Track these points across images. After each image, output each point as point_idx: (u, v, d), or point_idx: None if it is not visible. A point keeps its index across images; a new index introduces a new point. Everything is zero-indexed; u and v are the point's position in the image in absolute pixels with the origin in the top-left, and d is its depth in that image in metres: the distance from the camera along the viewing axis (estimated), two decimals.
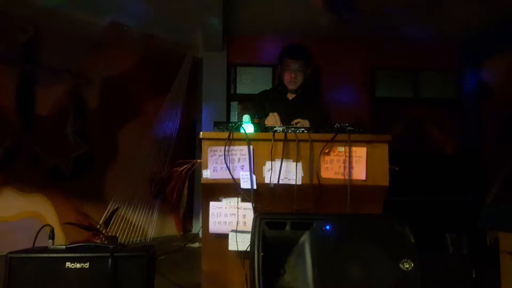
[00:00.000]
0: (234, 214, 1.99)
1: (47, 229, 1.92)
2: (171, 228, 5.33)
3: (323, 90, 6.06)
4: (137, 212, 4.93)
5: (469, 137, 6.00)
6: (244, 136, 1.98)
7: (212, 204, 2.02)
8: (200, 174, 2.00)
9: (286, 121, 2.46)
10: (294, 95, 2.84)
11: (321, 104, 2.98)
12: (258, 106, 2.80)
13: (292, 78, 2.77)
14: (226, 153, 1.97)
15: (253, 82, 6.15)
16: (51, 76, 4.46)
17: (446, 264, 3.66)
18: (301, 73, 2.77)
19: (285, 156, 1.97)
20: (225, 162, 1.96)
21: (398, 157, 2.07)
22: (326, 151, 1.99)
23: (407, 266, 1.58)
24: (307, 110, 2.65)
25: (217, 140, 1.99)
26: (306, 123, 2.44)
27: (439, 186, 4.90)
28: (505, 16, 5.12)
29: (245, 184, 1.96)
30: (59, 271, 1.73)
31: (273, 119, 2.46)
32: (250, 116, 2.13)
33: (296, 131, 2.03)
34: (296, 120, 2.44)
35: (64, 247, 1.81)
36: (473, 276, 3.01)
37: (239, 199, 1.99)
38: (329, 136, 2.00)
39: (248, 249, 1.80)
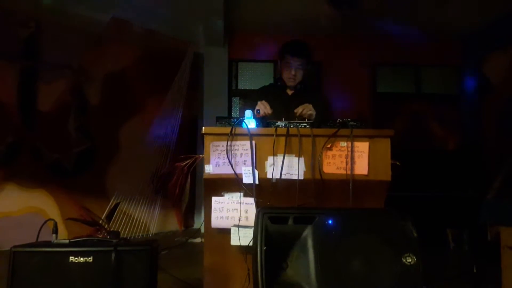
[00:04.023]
0: (236, 209, 2.00)
1: (49, 224, 1.93)
2: (173, 223, 5.34)
3: (324, 86, 6.06)
4: (139, 207, 4.94)
5: (470, 132, 6.00)
6: (246, 131, 1.99)
7: (215, 199, 2.02)
8: (202, 169, 2.00)
9: (286, 116, 2.45)
10: (293, 91, 2.84)
11: (321, 97, 2.98)
12: (257, 102, 2.79)
13: (292, 75, 2.76)
14: (228, 148, 1.97)
15: (254, 77, 6.15)
16: (53, 72, 4.47)
17: (447, 259, 3.68)
18: (301, 70, 2.77)
19: (287, 151, 1.98)
20: (227, 157, 1.96)
21: (399, 153, 2.07)
22: (328, 146, 2.00)
23: (410, 260, 1.58)
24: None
25: (219, 135, 2.00)
26: (310, 107, 2.44)
27: (440, 182, 4.91)
28: (506, 12, 5.11)
29: (247, 179, 1.96)
30: (62, 265, 1.74)
31: (262, 107, 2.45)
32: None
33: (298, 126, 2.03)
34: (299, 108, 2.44)
35: (67, 241, 1.81)
36: (474, 271, 3.02)
37: (241, 194, 2.00)
38: (331, 131, 2.00)
39: (250, 244, 1.80)
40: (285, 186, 1.96)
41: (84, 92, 4.74)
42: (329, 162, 1.99)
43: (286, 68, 2.77)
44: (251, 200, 1.97)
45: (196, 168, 2.14)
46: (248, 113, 2.08)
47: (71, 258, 1.74)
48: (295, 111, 2.46)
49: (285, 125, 2.03)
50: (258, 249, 1.62)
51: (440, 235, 3.92)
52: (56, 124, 4.49)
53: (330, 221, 1.68)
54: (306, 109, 2.46)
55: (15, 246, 1.76)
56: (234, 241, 1.96)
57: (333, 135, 1.99)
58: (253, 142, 1.98)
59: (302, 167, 1.98)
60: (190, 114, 5.75)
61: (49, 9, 4.43)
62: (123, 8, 4.92)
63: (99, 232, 3.45)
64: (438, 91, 6.33)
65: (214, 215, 2.01)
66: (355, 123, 2.02)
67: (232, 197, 2.01)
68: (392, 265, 1.59)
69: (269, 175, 1.97)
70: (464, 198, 4.59)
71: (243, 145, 1.99)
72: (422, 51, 6.08)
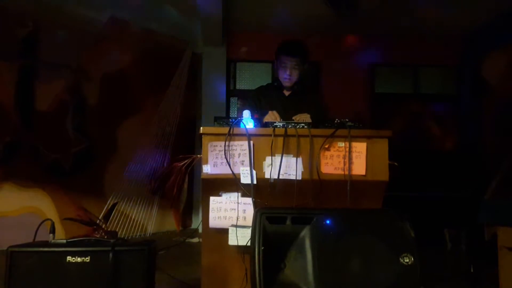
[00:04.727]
0: (234, 209, 2.00)
1: (47, 224, 1.92)
2: (171, 223, 5.34)
3: (322, 86, 6.06)
4: (136, 207, 4.93)
5: (468, 133, 6.01)
6: (244, 131, 1.99)
7: (212, 199, 2.02)
8: (200, 169, 2.00)
9: (283, 117, 2.46)
10: (290, 91, 2.84)
11: (318, 98, 2.97)
12: (254, 102, 2.80)
13: (288, 75, 2.75)
14: (226, 148, 1.97)
15: (252, 77, 6.15)
16: (51, 71, 4.45)
17: (444, 259, 3.68)
18: (296, 70, 2.75)
19: (285, 151, 1.98)
20: (225, 157, 1.97)
21: (397, 153, 2.07)
22: (326, 146, 2.00)
23: (407, 260, 1.59)
24: (304, 105, 2.64)
25: (217, 135, 2.00)
26: (307, 117, 2.44)
27: (437, 182, 4.92)
28: (505, 12, 5.12)
29: (245, 179, 1.96)
30: (60, 265, 1.73)
31: (272, 117, 2.46)
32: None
33: (296, 126, 2.03)
34: (296, 116, 2.44)
35: (65, 241, 1.81)
36: (471, 271, 3.03)
37: (239, 194, 2.00)
38: (329, 131, 2.00)
39: (248, 244, 1.81)
40: (283, 186, 1.97)
41: (82, 92, 4.73)
42: (327, 163, 1.99)
43: (282, 68, 2.77)
44: (249, 200, 1.97)
45: (194, 168, 2.14)
46: (246, 113, 2.08)
47: (69, 258, 1.74)
48: (293, 118, 2.45)
49: (283, 126, 2.03)
50: (256, 249, 1.62)
51: (438, 235, 3.93)
52: (54, 123, 4.48)
53: (328, 222, 1.68)
54: (302, 119, 2.45)
55: (12, 246, 1.75)
56: (232, 241, 1.96)
57: (331, 136, 1.99)
58: (251, 142, 1.98)
59: (300, 168, 1.98)
60: (188, 114, 5.74)
61: (47, 8, 4.42)
62: (121, 8, 4.92)
63: (96, 232, 3.44)
64: (436, 92, 6.35)
65: (212, 215, 2.01)
66: (353, 124, 2.02)
67: (230, 197, 2.01)
68: (390, 265, 1.59)
69: (267, 175, 1.97)
70: (461, 199, 4.60)
71: (241, 145, 1.99)
72: (420, 52, 6.09)
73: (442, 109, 6.25)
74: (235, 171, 1.96)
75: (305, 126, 2.04)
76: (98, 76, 4.85)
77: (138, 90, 5.22)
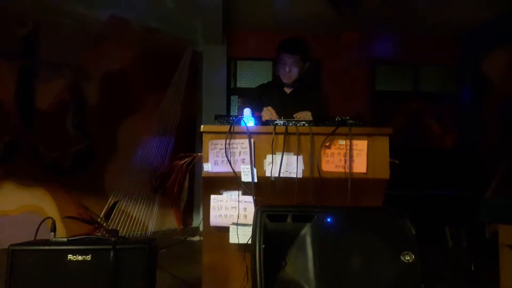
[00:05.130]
0: (235, 207, 2.00)
1: (48, 222, 1.93)
2: (172, 222, 5.34)
3: (323, 84, 6.06)
4: (137, 206, 4.93)
5: (468, 131, 6.01)
6: (245, 130, 1.98)
7: (213, 197, 2.02)
8: (201, 168, 2.00)
9: (284, 114, 2.45)
10: (291, 89, 2.84)
11: (319, 96, 2.97)
12: (255, 100, 2.80)
13: (286, 72, 2.76)
14: (227, 146, 1.97)
15: (253, 76, 6.15)
16: (51, 70, 4.45)
17: (445, 257, 3.68)
18: (295, 67, 2.75)
19: (286, 149, 1.97)
20: (226, 155, 1.96)
21: (398, 151, 2.07)
22: (327, 144, 2.00)
23: (408, 258, 1.59)
24: (305, 103, 2.64)
25: (218, 134, 2.00)
26: (308, 114, 2.44)
27: (438, 180, 4.92)
28: (505, 10, 5.11)
29: (246, 177, 1.96)
30: (61, 264, 1.74)
31: (268, 114, 2.46)
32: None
33: (297, 124, 2.03)
34: (297, 114, 2.44)
35: (66, 239, 1.81)
36: (472, 269, 3.03)
37: (240, 192, 2.00)
38: (330, 129, 2.00)
39: (249, 242, 1.81)
40: (283, 184, 1.96)
41: (83, 91, 4.72)
42: (328, 161, 1.99)
43: (281, 65, 2.78)
44: (249, 198, 1.97)
45: (195, 166, 2.14)
46: (246, 111, 2.08)
47: (70, 257, 1.74)
48: (294, 115, 2.45)
49: (284, 124, 2.02)
50: (257, 247, 1.62)
51: (439, 233, 3.93)
52: (54, 122, 4.47)
53: (328, 219, 1.68)
54: (303, 116, 2.45)
55: (13, 245, 1.75)
56: (233, 239, 1.97)
57: (331, 134, 1.99)
58: (252, 140, 1.98)
59: (301, 166, 1.98)
60: (189, 112, 5.74)
61: (47, 7, 4.41)
62: (121, 7, 4.91)
63: (97, 231, 3.45)
64: (436, 90, 6.34)
65: (212, 213, 2.01)
66: (353, 122, 2.02)
67: (230, 195, 2.01)
68: (391, 263, 1.59)
69: (267, 174, 1.97)
70: (462, 196, 4.60)
71: (242, 143, 1.98)
72: (421, 50, 6.07)
73: (443, 107, 6.25)
74: (236, 169, 1.96)
75: (306, 124, 2.03)
76: (98, 75, 4.84)
77: (139, 89, 5.21)
